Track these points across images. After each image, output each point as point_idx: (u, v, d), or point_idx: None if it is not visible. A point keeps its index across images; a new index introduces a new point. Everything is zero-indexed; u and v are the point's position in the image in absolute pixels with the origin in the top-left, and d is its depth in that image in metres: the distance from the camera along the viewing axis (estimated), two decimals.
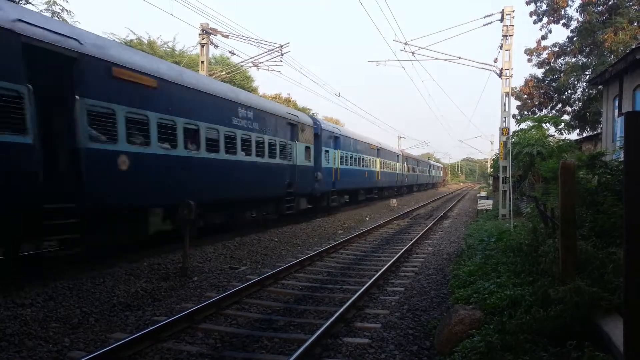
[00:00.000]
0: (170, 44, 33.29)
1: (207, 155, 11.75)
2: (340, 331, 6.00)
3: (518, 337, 4.31)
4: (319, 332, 5.45)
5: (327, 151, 21.19)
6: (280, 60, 20.36)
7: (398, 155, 39.99)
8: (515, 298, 5.41)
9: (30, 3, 20.05)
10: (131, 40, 29.94)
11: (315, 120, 20.76)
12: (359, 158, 26.86)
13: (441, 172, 77.63)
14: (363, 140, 28.30)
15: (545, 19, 28.40)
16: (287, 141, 16.59)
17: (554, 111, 30.26)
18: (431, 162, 70.39)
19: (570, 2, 27.16)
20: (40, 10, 21.21)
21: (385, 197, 35.15)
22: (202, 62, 20.01)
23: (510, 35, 18.79)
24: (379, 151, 32.22)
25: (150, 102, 9.84)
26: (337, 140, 22.75)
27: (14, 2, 17.48)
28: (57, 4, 22.04)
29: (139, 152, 9.48)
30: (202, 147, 11.52)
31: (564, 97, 29.63)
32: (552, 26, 28.53)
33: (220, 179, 12.33)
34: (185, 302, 7.27)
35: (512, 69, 19.10)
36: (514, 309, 5.14)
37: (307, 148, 18.62)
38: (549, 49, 28.92)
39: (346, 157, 24.37)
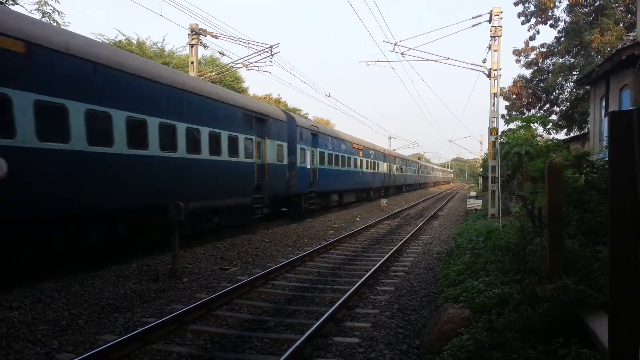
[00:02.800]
0: (159, 45, 33.12)
1: (131, 152, 9.36)
2: (331, 331, 6.02)
3: (506, 335, 4.35)
4: (309, 332, 5.46)
5: (303, 149, 19.20)
6: (270, 61, 20.28)
7: (385, 155, 38.18)
8: (503, 296, 5.46)
9: (17, 4, 19.84)
10: (120, 41, 29.71)
11: (289, 116, 18.74)
12: (340, 157, 25.04)
13: (430, 172, 78.17)
14: (345, 138, 26.87)
15: (533, 20, 28.64)
16: (253, 137, 14.56)
17: (542, 111, 30.51)
18: (420, 162, 70.02)
19: (557, 3, 27.43)
20: (30, 11, 21.05)
21: (372, 198, 34.45)
22: (192, 62, 19.89)
23: (498, 36, 18.92)
24: (364, 151, 30.72)
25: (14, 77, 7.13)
26: (315, 138, 21.03)
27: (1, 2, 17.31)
28: (47, 4, 21.86)
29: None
30: (120, 143, 9.09)
31: (552, 97, 29.91)
32: (540, 27, 28.78)
33: (156, 180, 10.22)
34: (175, 303, 7.24)
35: (500, 69, 19.22)
36: (502, 307, 5.20)
37: (280, 146, 16.78)
38: (537, 49, 29.17)
39: (326, 156, 22.59)
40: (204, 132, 11.90)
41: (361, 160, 29.76)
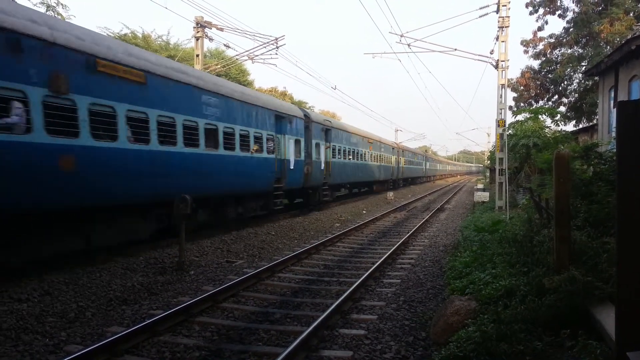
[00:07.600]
0: (164, 38, 33.08)
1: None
2: (337, 323, 6.02)
3: (513, 326, 4.33)
4: (315, 323, 5.47)
5: None
6: (276, 53, 20.24)
7: (306, 127, 18.69)
8: (510, 288, 5.44)
9: None
10: (125, 34, 29.72)
11: None
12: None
13: (424, 163, 59.09)
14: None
15: (541, 10, 28.32)
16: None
17: (550, 103, 30.24)
18: (411, 149, 52.58)
19: None
20: (35, 4, 21.01)
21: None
22: (197, 55, 19.89)
23: (506, 27, 18.71)
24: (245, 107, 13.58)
25: None
26: None
27: None
28: None
29: None
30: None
31: (560, 88, 29.61)
32: (548, 17, 28.48)
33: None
34: (182, 295, 7.28)
35: (508, 60, 19.04)
36: (509, 299, 5.17)
37: None
38: (545, 40, 28.85)
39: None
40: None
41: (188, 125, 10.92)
